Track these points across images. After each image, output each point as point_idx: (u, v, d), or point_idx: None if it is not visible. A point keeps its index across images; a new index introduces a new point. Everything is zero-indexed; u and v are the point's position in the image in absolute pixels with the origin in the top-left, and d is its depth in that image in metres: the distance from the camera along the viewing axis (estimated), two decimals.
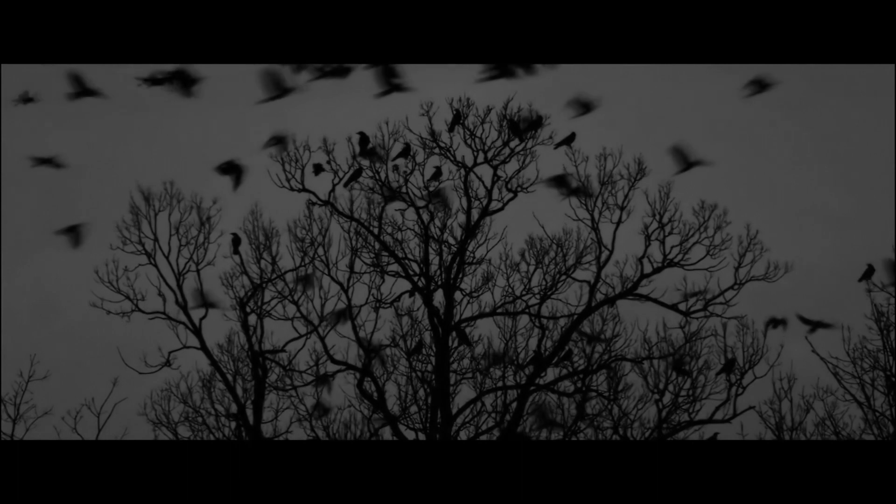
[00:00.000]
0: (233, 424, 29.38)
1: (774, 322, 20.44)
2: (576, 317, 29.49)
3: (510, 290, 29.85)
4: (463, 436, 29.34)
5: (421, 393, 29.58)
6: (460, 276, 29.79)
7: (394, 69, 15.33)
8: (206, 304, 29.13)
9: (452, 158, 29.89)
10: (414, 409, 29.53)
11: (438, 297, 29.71)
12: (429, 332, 29.65)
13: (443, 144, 29.81)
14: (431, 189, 29.63)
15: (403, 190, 29.92)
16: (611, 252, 29.69)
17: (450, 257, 29.79)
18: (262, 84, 15.33)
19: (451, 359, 29.56)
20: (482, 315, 29.75)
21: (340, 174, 29.72)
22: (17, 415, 29.30)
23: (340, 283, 29.76)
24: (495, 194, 29.87)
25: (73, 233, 17.92)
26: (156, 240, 29.67)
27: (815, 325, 20.71)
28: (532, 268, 29.90)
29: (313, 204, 29.90)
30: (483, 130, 29.77)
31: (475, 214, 29.88)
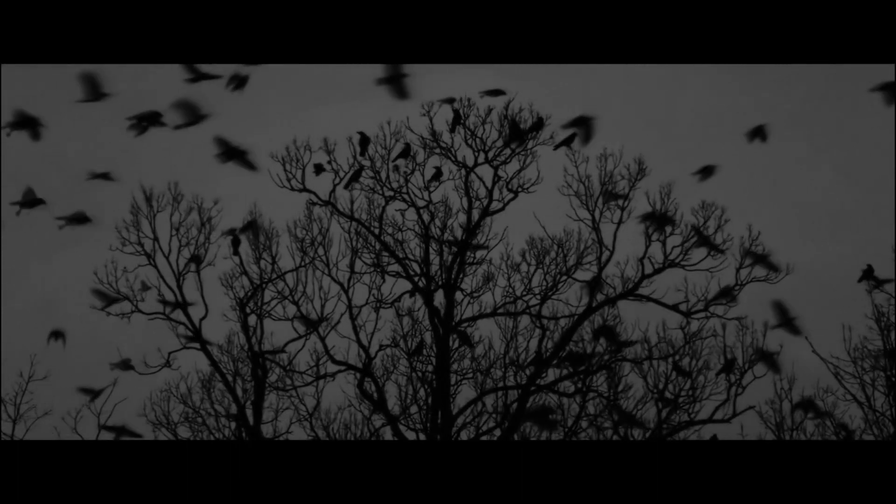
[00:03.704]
0: (233, 424, 29.39)
1: (875, 279, 20.48)
2: (576, 317, 29.50)
3: (511, 291, 29.86)
4: (464, 436, 29.36)
5: (421, 393, 29.60)
6: (461, 276, 29.81)
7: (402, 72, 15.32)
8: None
9: (453, 158, 29.91)
10: (414, 409, 29.56)
11: (439, 298, 29.75)
12: (429, 332, 29.67)
13: (443, 144, 29.84)
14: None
15: (404, 190, 29.95)
16: (612, 252, 29.70)
17: (450, 257, 29.81)
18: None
19: (452, 359, 29.57)
20: (482, 315, 29.76)
21: (341, 174, 29.75)
22: (18, 415, 29.34)
23: (340, 283, 29.78)
24: (496, 194, 29.90)
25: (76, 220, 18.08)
26: (155, 240, 29.67)
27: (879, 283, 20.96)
28: (533, 268, 29.91)
29: (314, 204, 29.92)
30: (484, 131, 29.80)
31: (476, 215, 29.90)
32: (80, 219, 20.78)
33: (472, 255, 29.75)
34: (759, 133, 17.92)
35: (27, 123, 16.01)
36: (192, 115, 15.09)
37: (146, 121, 16.42)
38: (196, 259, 29.69)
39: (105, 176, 17.84)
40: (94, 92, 15.50)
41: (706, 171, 20.41)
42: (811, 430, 28.74)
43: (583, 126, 17.53)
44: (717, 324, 29.27)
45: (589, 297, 29.16)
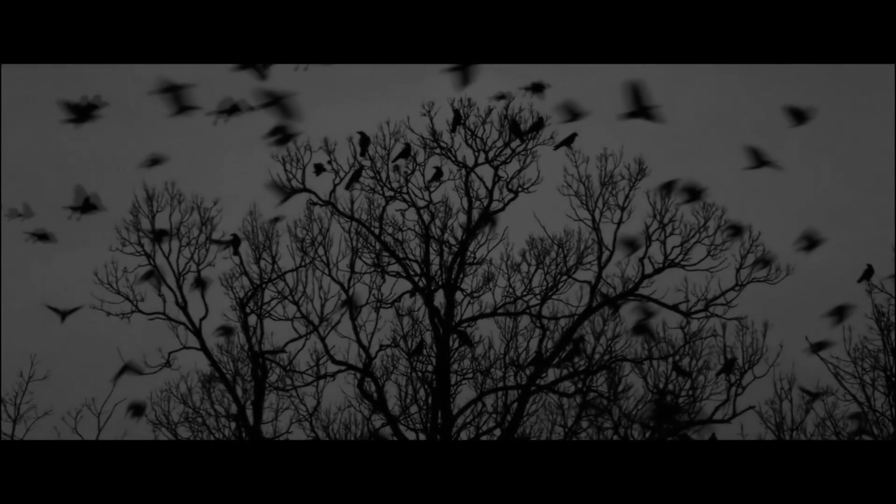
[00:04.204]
0: (233, 424, 29.40)
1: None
2: (576, 317, 29.51)
3: (511, 291, 29.87)
4: (464, 436, 29.36)
5: (421, 393, 29.61)
6: (461, 276, 29.82)
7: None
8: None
9: (453, 159, 29.92)
10: (414, 408, 29.57)
11: (439, 298, 29.76)
12: (430, 332, 29.68)
13: (444, 144, 29.85)
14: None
15: (404, 190, 29.96)
16: (612, 252, 29.70)
17: (450, 257, 29.83)
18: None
19: (452, 359, 29.58)
20: (482, 315, 29.77)
21: (341, 174, 29.76)
22: (18, 415, 29.35)
23: (341, 283, 29.78)
24: (496, 194, 29.91)
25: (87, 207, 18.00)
26: (155, 240, 29.64)
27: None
28: (533, 268, 29.92)
29: (314, 204, 29.93)
30: (484, 131, 29.81)
31: (476, 215, 29.91)
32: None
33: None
34: (800, 117, 17.83)
35: (82, 114, 15.83)
36: (274, 99, 15.19)
37: (232, 109, 16.38)
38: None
39: (157, 161, 17.76)
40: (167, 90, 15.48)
41: (759, 161, 20.28)
42: (811, 429, 28.79)
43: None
44: (717, 324, 29.32)
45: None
